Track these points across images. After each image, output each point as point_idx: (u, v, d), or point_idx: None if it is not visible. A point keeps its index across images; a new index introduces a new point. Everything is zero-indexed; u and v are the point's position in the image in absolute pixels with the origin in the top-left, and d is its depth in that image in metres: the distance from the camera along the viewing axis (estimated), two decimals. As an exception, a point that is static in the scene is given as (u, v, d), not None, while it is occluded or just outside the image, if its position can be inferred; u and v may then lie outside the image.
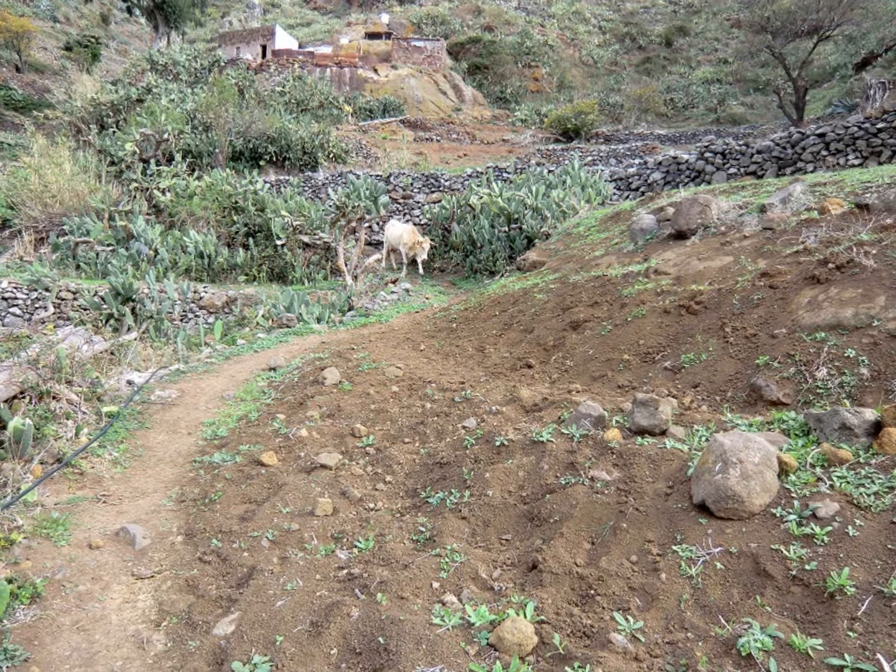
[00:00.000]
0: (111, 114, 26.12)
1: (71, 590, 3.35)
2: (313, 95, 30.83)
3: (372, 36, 41.50)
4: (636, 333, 5.54)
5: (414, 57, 38.31)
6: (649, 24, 48.65)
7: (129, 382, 6.96)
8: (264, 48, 39.91)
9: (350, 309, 11.53)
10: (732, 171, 14.18)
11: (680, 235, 7.29)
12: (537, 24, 46.74)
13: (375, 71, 36.93)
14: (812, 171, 12.36)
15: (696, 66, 43.00)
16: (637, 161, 17.40)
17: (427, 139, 31.19)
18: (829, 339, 4.24)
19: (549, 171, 17.77)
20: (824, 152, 12.70)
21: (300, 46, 41.61)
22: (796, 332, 4.48)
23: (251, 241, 15.71)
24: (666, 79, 42.24)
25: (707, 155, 14.65)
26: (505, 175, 19.55)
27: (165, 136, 20.98)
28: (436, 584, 3.01)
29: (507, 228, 14.22)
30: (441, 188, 19.37)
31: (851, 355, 4.01)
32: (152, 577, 3.57)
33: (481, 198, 15.56)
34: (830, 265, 4.91)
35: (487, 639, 2.58)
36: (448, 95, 37.57)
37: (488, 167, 19.86)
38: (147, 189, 18.40)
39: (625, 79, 42.73)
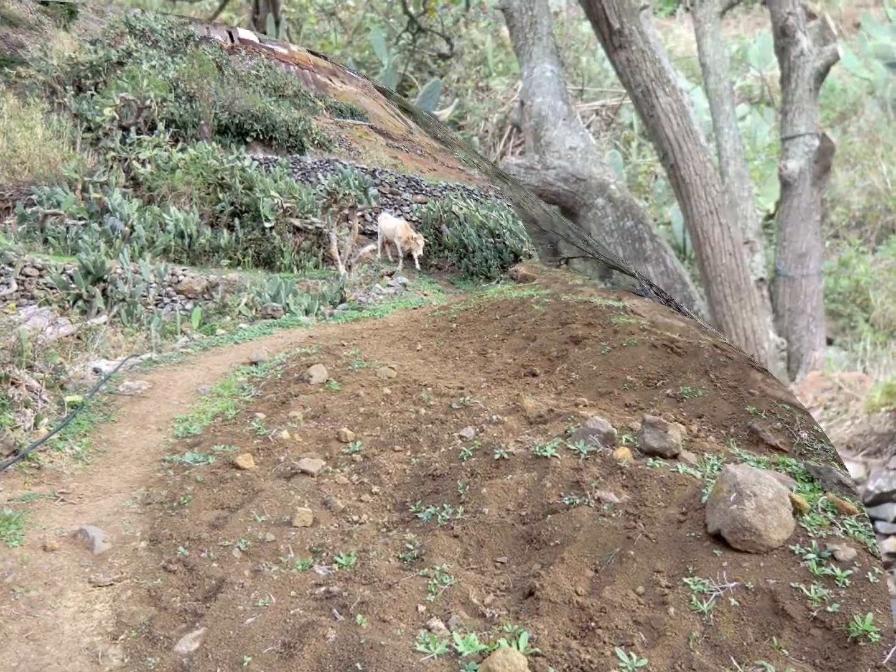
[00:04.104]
0: (89, 75, 26.03)
1: (21, 595, 3.34)
2: (286, 84, 31.56)
3: (313, 52, 42.68)
4: (634, 359, 5.93)
5: (354, 82, 39.82)
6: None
7: (96, 371, 6.94)
8: (231, 34, 40.89)
9: (342, 301, 11.52)
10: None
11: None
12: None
13: (330, 79, 38.16)
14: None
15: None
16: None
17: (397, 148, 32.42)
18: (796, 412, 4.71)
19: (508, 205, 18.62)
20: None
21: (259, 41, 42.75)
22: (767, 397, 4.98)
23: (237, 221, 15.66)
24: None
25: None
26: (474, 196, 20.70)
27: (148, 102, 20.92)
28: (422, 608, 3.00)
29: (492, 240, 15.05)
30: (423, 192, 20.68)
31: (822, 430, 4.46)
32: (111, 585, 3.56)
33: (461, 208, 16.65)
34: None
35: (475, 670, 2.57)
36: (398, 119, 38.81)
37: (457, 185, 21.20)
38: (125, 159, 18.34)
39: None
